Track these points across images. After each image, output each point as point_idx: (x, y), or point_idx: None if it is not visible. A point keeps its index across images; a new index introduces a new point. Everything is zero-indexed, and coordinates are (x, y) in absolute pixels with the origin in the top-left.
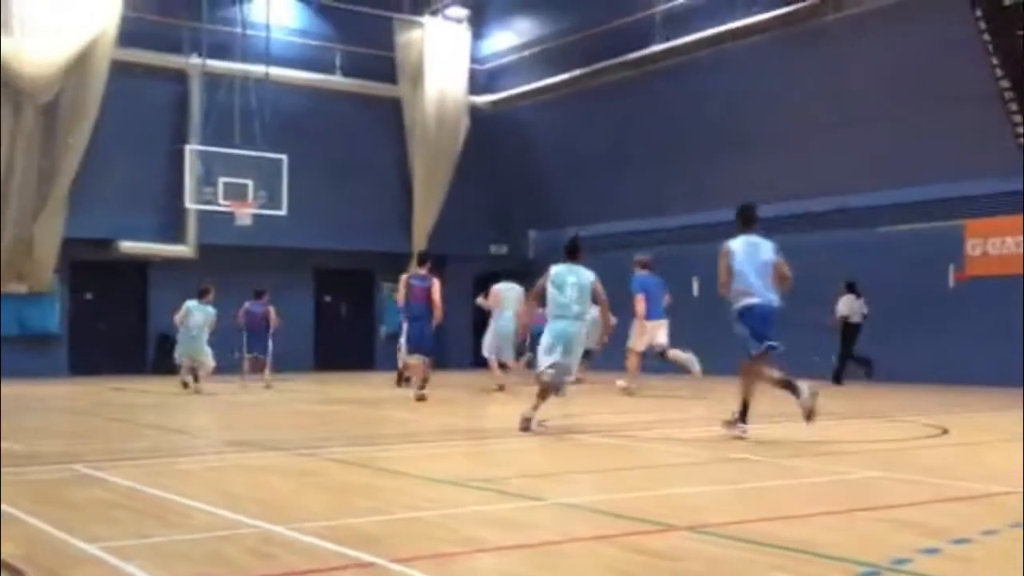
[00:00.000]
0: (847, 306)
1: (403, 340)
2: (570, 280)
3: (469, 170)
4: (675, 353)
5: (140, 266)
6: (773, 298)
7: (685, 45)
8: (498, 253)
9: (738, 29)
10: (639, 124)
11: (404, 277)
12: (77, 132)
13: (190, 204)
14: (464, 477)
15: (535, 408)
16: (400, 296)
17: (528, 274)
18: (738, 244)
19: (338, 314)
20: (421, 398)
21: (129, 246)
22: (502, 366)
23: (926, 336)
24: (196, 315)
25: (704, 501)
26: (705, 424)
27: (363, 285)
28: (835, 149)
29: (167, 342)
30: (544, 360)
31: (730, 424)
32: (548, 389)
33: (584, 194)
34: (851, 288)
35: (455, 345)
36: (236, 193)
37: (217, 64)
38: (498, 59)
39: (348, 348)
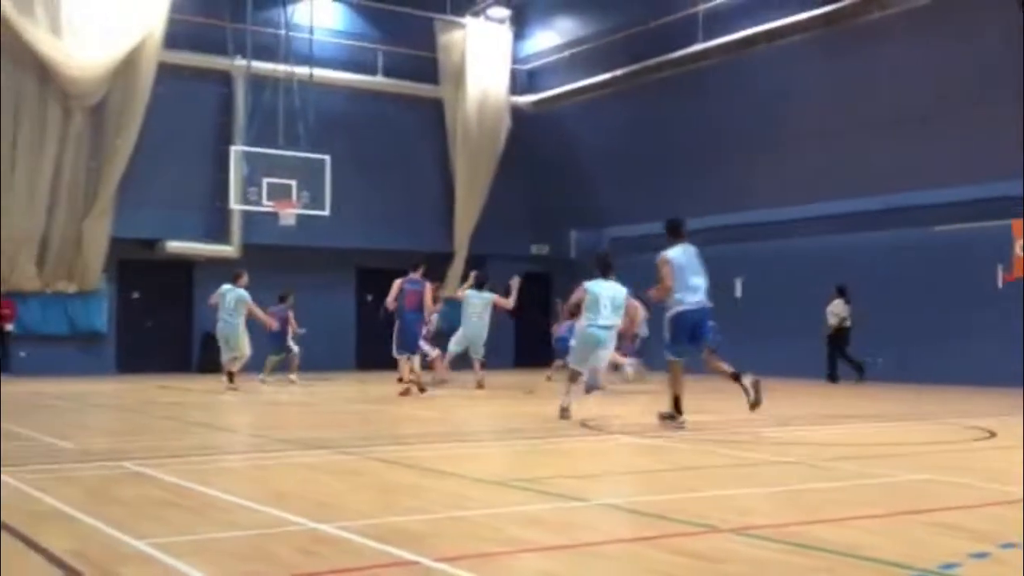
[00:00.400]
0: (838, 311)
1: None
2: (605, 295)
3: (511, 170)
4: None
5: (186, 266)
6: (706, 301)
7: (727, 44)
8: (539, 253)
9: (780, 28)
10: (681, 123)
11: (397, 281)
12: (124, 134)
13: (235, 204)
14: (507, 477)
15: (568, 393)
16: (390, 299)
17: (570, 274)
18: (676, 253)
19: (380, 313)
20: (405, 392)
21: (175, 246)
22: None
23: (974, 337)
24: (228, 296)
25: (748, 503)
26: (746, 425)
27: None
28: (880, 148)
29: (212, 340)
30: (578, 363)
31: (665, 417)
32: (574, 377)
33: (625, 194)
34: (841, 293)
35: (498, 346)
36: (280, 193)
37: (261, 65)
38: (540, 59)
39: (390, 347)
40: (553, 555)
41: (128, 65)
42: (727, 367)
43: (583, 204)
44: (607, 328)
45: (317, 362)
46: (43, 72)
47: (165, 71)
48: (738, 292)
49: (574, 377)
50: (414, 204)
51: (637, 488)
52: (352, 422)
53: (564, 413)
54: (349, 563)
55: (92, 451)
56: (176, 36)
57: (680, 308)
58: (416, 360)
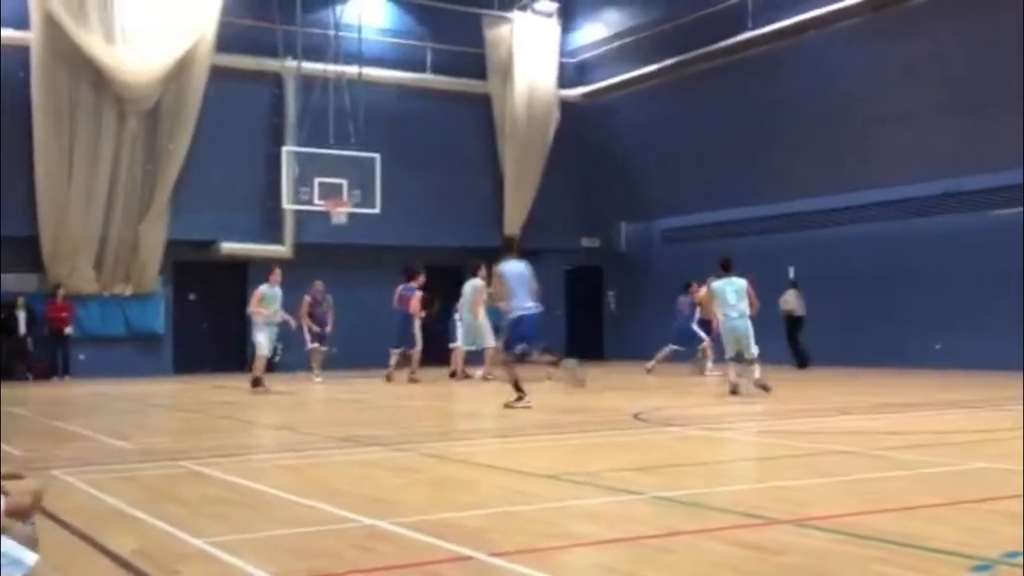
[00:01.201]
0: (792, 301)
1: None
2: (729, 289)
3: (560, 163)
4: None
5: (240, 266)
6: (535, 308)
7: (775, 32)
8: (590, 246)
9: (829, 14)
10: (730, 113)
11: (399, 288)
12: (178, 137)
13: (287, 204)
14: (560, 471)
15: (737, 374)
16: (395, 301)
17: (620, 267)
18: (509, 267)
19: (431, 310)
20: (389, 378)
21: (229, 247)
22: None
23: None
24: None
25: (806, 494)
26: (801, 416)
27: (455, 281)
28: (935, 133)
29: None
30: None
31: (511, 405)
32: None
33: (675, 185)
34: (794, 285)
35: (550, 340)
36: (331, 192)
37: (311, 66)
38: (588, 52)
39: (443, 342)
40: (610, 549)
41: (181, 69)
42: (548, 357)
43: (632, 196)
44: (742, 317)
45: (368, 358)
46: (98, 78)
47: (217, 74)
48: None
49: (738, 359)
50: (464, 200)
51: (694, 480)
52: (403, 418)
53: (734, 388)
54: (406, 559)
55: (152, 451)
56: (227, 39)
57: (518, 313)
58: (416, 353)
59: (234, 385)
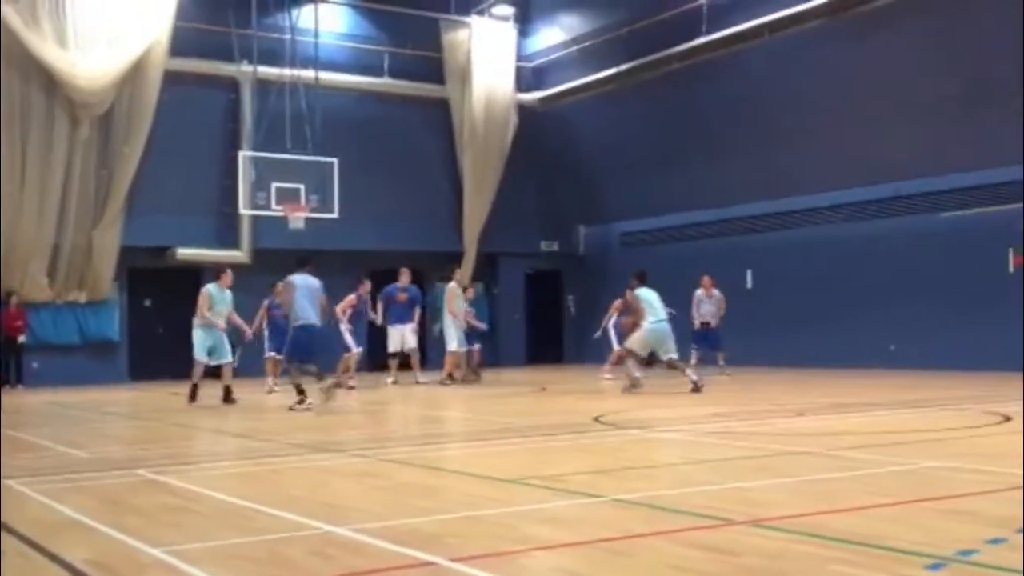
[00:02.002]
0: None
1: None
2: (655, 296)
3: (519, 167)
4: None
5: (196, 272)
6: (318, 321)
7: (730, 36)
8: (549, 250)
9: (784, 19)
10: (687, 117)
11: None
12: (132, 142)
13: (244, 210)
14: (521, 475)
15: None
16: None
17: (579, 270)
18: (299, 279)
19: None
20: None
21: (185, 252)
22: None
23: (987, 322)
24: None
25: (763, 495)
26: (759, 417)
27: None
28: (888, 136)
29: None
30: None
31: (293, 408)
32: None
33: (633, 188)
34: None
35: (508, 343)
36: (288, 197)
37: (267, 70)
38: (545, 56)
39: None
40: (569, 552)
41: (134, 73)
42: (311, 373)
43: (592, 200)
44: (665, 322)
45: (328, 364)
46: (50, 82)
47: (171, 78)
48: (749, 283)
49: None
50: (423, 204)
51: (652, 483)
52: (363, 423)
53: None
54: (365, 565)
55: (107, 459)
56: (182, 43)
57: (300, 323)
58: (349, 358)
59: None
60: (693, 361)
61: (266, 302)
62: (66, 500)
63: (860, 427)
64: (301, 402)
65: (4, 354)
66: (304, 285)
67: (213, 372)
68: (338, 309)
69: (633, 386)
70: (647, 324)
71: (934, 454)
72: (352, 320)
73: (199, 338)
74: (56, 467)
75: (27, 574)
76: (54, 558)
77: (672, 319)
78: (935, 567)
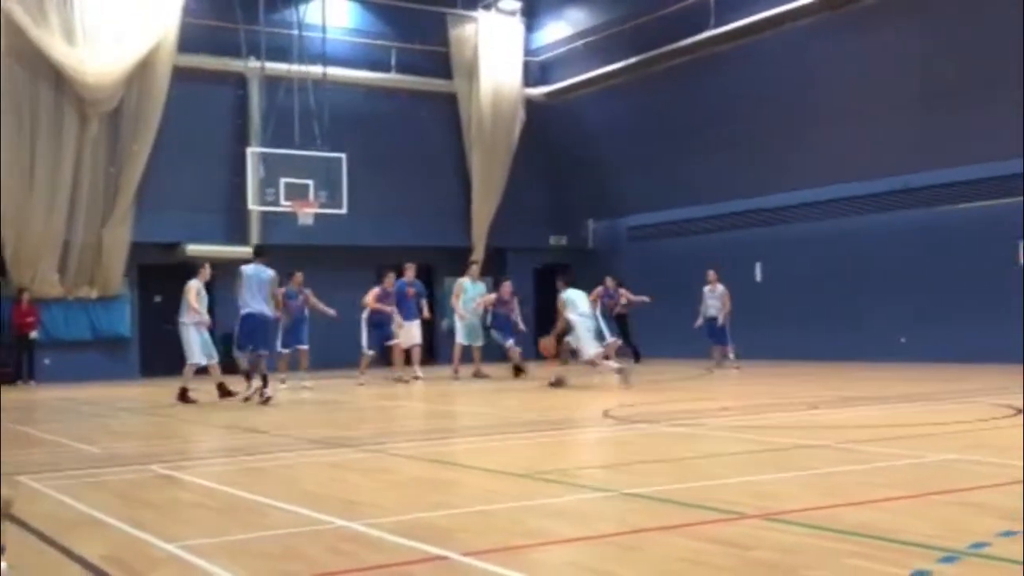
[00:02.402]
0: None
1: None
2: (581, 297)
3: (527, 162)
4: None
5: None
6: (267, 310)
7: (738, 29)
8: (558, 244)
9: (791, 11)
10: (695, 110)
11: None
12: (141, 139)
13: (253, 206)
14: (532, 469)
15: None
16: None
17: (589, 264)
18: (250, 270)
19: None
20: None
21: (195, 248)
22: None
23: (996, 314)
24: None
25: (776, 488)
26: (770, 411)
27: (424, 280)
28: (897, 129)
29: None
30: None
31: (247, 399)
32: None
33: (642, 182)
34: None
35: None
36: (297, 193)
37: (275, 66)
38: (552, 50)
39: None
40: (581, 546)
41: (143, 70)
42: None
43: (600, 194)
44: (592, 318)
45: (338, 358)
46: (59, 80)
47: (180, 75)
48: (758, 276)
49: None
50: (431, 199)
51: (663, 477)
52: (374, 418)
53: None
54: (379, 560)
55: (120, 455)
56: (190, 40)
57: (247, 311)
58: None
59: (201, 387)
60: (716, 357)
61: (282, 289)
62: (80, 496)
63: (871, 420)
64: (257, 391)
65: (16, 350)
66: (255, 275)
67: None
68: (368, 302)
69: (559, 383)
70: (578, 319)
71: (945, 447)
72: (373, 315)
73: (194, 338)
74: (70, 463)
75: (43, 569)
76: (69, 553)
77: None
78: (947, 560)
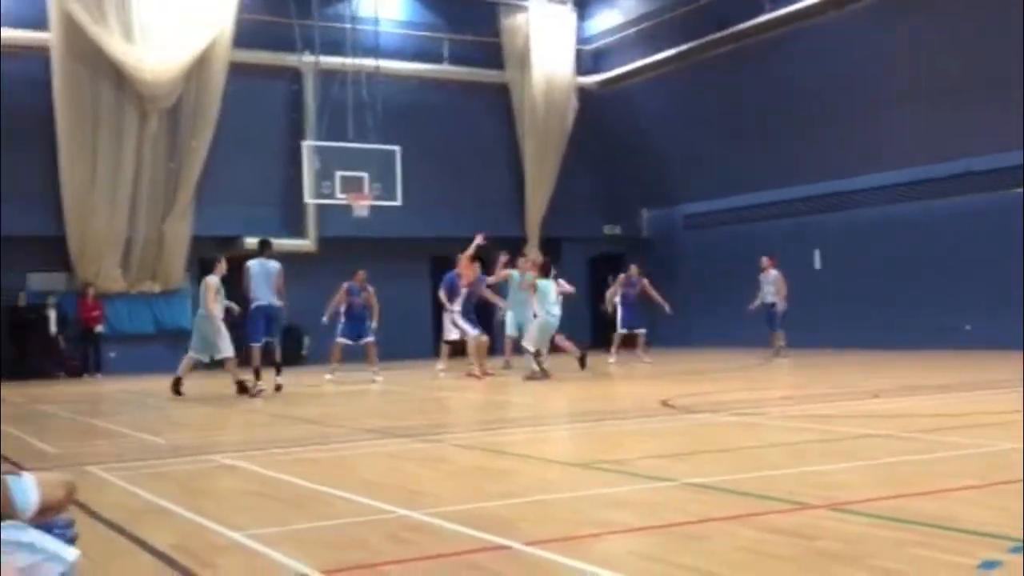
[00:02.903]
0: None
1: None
2: (552, 288)
3: (580, 151)
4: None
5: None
6: (275, 301)
7: (794, 13)
8: (611, 233)
9: None
10: (750, 96)
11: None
12: (199, 134)
13: (309, 199)
14: (590, 459)
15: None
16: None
17: (641, 252)
18: (256, 264)
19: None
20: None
21: (253, 242)
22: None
23: None
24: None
25: (840, 478)
26: (832, 400)
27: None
28: (958, 112)
29: (292, 333)
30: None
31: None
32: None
33: (696, 170)
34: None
35: (572, 328)
36: (352, 186)
37: (329, 60)
38: (604, 38)
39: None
40: (644, 536)
41: (200, 66)
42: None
43: (654, 182)
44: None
45: (394, 350)
46: (118, 77)
47: (236, 70)
48: (817, 264)
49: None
50: (484, 190)
51: (725, 467)
52: (431, 409)
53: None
54: (440, 549)
55: (183, 446)
56: (245, 35)
57: (257, 303)
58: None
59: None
60: (774, 345)
61: (345, 285)
62: (146, 485)
63: (935, 409)
64: (253, 387)
65: (82, 344)
66: (261, 270)
67: (210, 364)
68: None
69: (534, 377)
70: (541, 315)
71: (1011, 436)
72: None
73: (210, 332)
74: (135, 453)
75: (112, 557)
76: (138, 542)
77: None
78: (1017, 550)
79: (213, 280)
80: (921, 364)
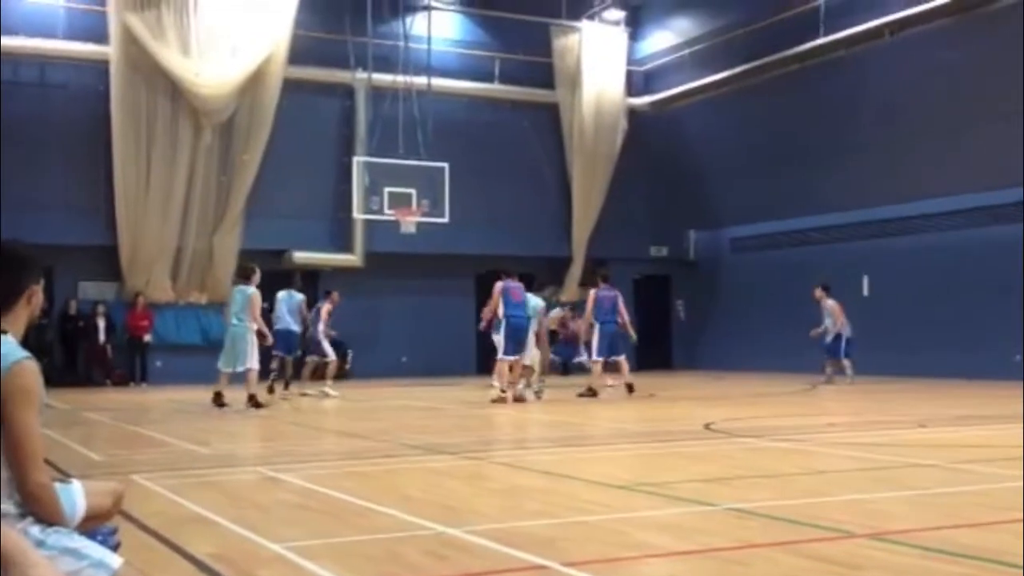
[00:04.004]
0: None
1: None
2: (531, 302)
3: (628, 172)
4: None
5: (312, 275)
6: (293, 326)
7: (848, 38)
8: (658, 255)
9: (904, 19)
10: (799, 120)
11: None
12: (252, 148)
13: (357, 214)
14: (632, 481)
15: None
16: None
17: (689, 275)
18: (283, 293)
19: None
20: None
21: (301, 256)
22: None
23: None
24: (236, 298)
25: (885, 507)
26: (878, 428)
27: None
28: (1013, 139)
29: (339, 348)
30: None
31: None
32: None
33: (744, 192)
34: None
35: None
36: (400, 202)
37: (381, 77)
38: (655, 60)
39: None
40: (684, 560)
41: (255, 81)
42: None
43: (702, 204)
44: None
45: (439, 367)
46: (174, 91)
47: (290, 86)
48: (865, 290)
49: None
50: (532, 209)
51: (768, 492)
52: (473, 426)
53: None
54: (478, 567)
55: (227, 456)
56: (300, 51)
57: (279, 326)
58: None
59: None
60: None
61: (330, 307)
62: (189, 495)
63: (983, 440)
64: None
65: (130, 353)
66: (287, 299)
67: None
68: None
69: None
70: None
71: None
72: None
73: (246, 343)
74: (179, 463)
75: (154, 566)
76: (180, 551)
77: None
78: None
79: (257, 294)
80: (969, 394)
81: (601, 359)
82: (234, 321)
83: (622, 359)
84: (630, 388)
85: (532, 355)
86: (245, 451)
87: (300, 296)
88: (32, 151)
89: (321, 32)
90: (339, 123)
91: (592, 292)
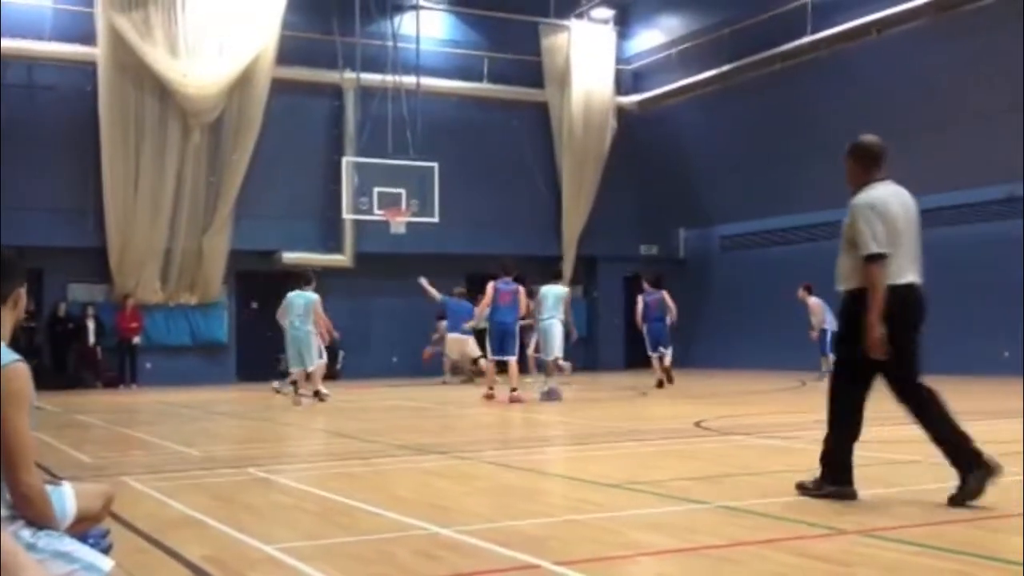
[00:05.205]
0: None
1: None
2: (551, 293)
3: (618, 171)
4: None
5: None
6: (307, 327)
7: (834, 36)
8: (648, 254)
9: (891, 17)
10: (788, 118)
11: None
12: (241, 149)
13: (347, 214)
14: (622, 480)
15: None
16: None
17: (680, 274)
18: (294, 295)
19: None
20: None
21: (291, 256)
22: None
23: None
24: (297, 302)
25: (874, 503)
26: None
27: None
28: (1000, 137)
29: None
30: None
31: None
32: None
33: (734, 191)
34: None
35: (607, 347)
36: (390, 202)
37: (370, 77)
38: (644, 58)
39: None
40: (675, 559)
41: (243, 82)
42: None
43: (692, 203)
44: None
45: (429, 367)
46: (163, 92)
47: (278, 86)
48: None
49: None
50: (522, 208)
51: (758, 490)
52: (464, 427)
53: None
54: (470, 567)
55: (218, 458)
56: (288, 52)
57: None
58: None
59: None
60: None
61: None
62: (180, 497)
63: (974, 435)
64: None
65: (120, 354)
66: (294, 299)
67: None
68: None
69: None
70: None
71: None
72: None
73: (310, 346)
74: (170, 465)
75: (145, 569)
76: (171, 553)
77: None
78: None
79: (319, 299)
80: (957, 390)
81: (656, 354)
82: (296, 324)
83: (668, 352)
84: (661, 383)
85: (557, 349)
86: (235, 452)
87: (312, 296)
88: (20, 153)
89: (309, 32)
90: (328, 123)
91: (640, 297)
